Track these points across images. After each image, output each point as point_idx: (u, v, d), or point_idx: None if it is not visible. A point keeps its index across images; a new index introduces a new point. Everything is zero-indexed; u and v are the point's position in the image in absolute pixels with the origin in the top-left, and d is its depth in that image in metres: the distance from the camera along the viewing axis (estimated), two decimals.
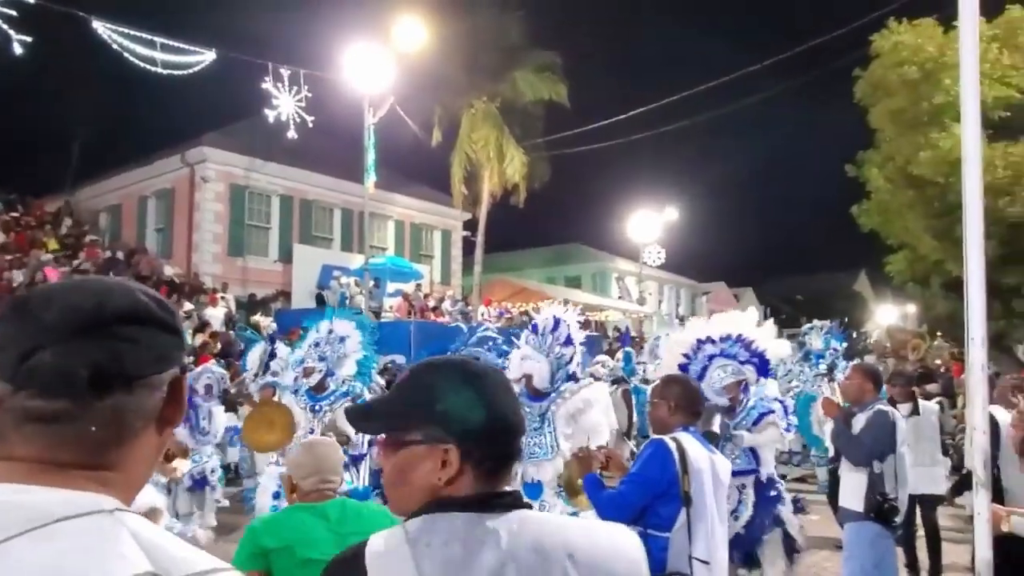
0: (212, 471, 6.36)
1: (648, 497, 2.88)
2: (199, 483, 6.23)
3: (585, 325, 19.05)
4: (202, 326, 14.84)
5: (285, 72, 15.24)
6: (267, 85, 15.09)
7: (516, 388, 4.86)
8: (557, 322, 5.11)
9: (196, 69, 13.35)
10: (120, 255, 18.06)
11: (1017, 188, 15.34)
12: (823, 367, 8.28)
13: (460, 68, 22.91)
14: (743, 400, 4.59)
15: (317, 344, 5.86)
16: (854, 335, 18.66)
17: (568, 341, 5.00)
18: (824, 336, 8.65)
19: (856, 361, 7.57)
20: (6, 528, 0.71)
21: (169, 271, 18.43)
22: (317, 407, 5.58)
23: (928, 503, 6.29)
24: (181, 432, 6.01)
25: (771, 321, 5.26)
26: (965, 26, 2.45)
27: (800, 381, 8.60)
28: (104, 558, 0.72)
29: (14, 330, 0.79)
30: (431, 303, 20.36)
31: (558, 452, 4.74)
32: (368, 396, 6.04)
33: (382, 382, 8.11)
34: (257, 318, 15.83)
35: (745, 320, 4.94)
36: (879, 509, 4.36)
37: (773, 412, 4.55)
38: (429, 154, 23.83)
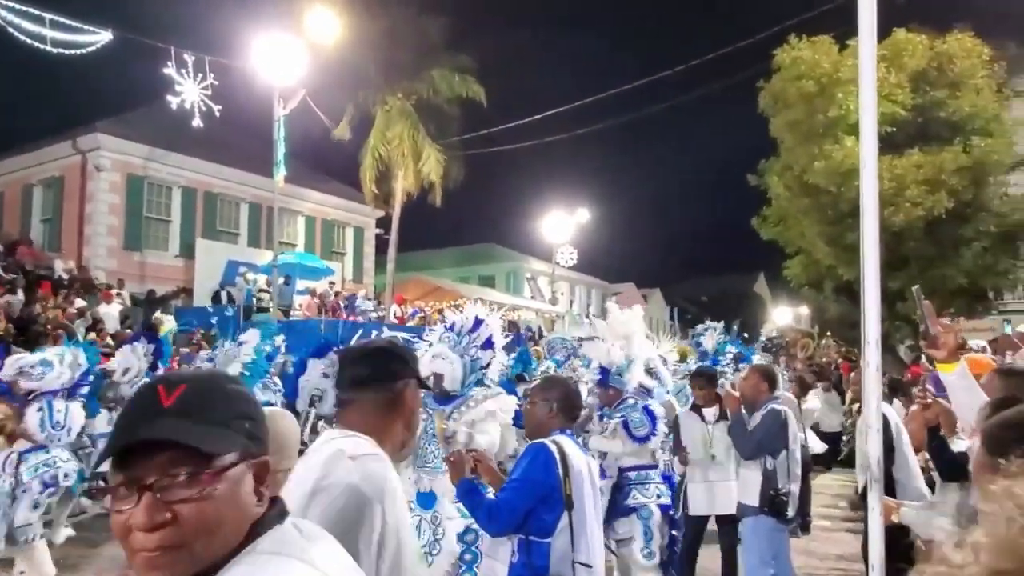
0: (66, 475, 5.64)
1: (532, 501, 2.82)
2: (48, 486, 5.53)
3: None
4: (95, 324, 13.98)
5: (189, 58, 14.58)
6: (170, 71, 14.39)
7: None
8: (478, 323, 4.84)
9: (90, 50, 12.56)
10: (2, 248, 16.77)
11: (899, 199, 16.44)
12: (725, 367, 8.58)
13: (376, 64, 22.54)
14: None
15: (214, 348, 5.68)
16: (769, 339, 19.58)
17: (488, 344, 4.75)
18: (719, 338, 8.98)
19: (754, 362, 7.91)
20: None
21: (59, 265, 17.26)
22: None
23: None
24: (31, 422, 5.52)
25: (638, 309, 5.42)
26: (864, 40, 2.60)
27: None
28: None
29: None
30: (342, 302, 19.93)
31: None
32: (260, 396, 5.69)
33: (278, 383, 7.67)
34: (158, 315, 15.05)
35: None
36: (772, 503, 4.60)
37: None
38: (343, 149, 23.36)
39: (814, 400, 8.92)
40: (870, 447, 2.51)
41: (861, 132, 2.72)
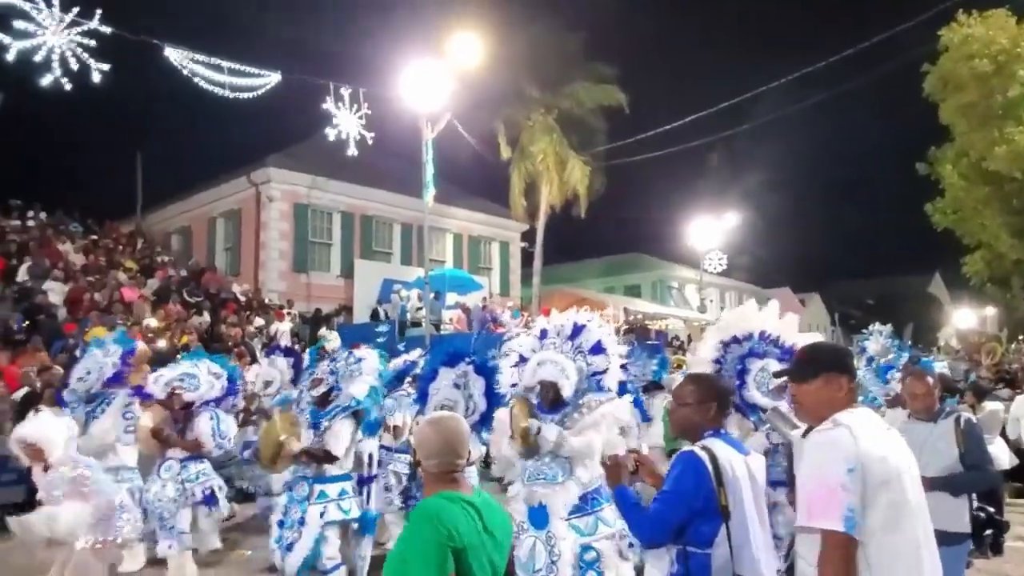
0: (220, 487, 5.98)
1: (685, 514, 2.64)
2: (209, 499, 5.87)
3: (645, 333, 18.65)
4: (270, 341, 15.24)
5: (345, 92, 15.60)
6: (328, 105, 15.47)
7: (529, 398, 4.46)
8: (578, 328, 4.57)
9: (262, 91, 13.78)
10: (191, 275, 18.74)
11: None
12: (893, 375, 7.92)
13: (519, 82, 23.13)
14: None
15: (334, 359, 5.63)
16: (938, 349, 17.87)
17: (597, 349, 4.46)
18: (886, 341, 8.29)
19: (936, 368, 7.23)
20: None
21: (237, 289, 19.03)
22: (318, 424, 5.15)
23: None
24: (204, 431, 5.82)
25: (794, 318, 4.68)
26: None
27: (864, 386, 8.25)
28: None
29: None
30: (491, 315, 20.44)
31: (571, 476, 4.19)
32: (374, 414, 5.62)
33: (412, 392, 7.69)
34: (323, 332, 16.16)
35: (764, 315, 4.48)
36: (984, 523, 4.00)
37: None
38: (486, 167, 24.08)
39: (994, 404, 7.99)
40: None
41: None
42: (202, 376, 6.04)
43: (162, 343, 12.47)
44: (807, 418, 2.57)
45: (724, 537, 2.61)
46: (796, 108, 19.54)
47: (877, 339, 7.97)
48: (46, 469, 4.24)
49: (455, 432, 2.25)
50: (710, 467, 2.63)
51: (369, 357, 5.57)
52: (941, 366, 8.51)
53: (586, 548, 4.00)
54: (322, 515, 4.88)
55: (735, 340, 4.36)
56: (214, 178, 22.87)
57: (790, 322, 4.46)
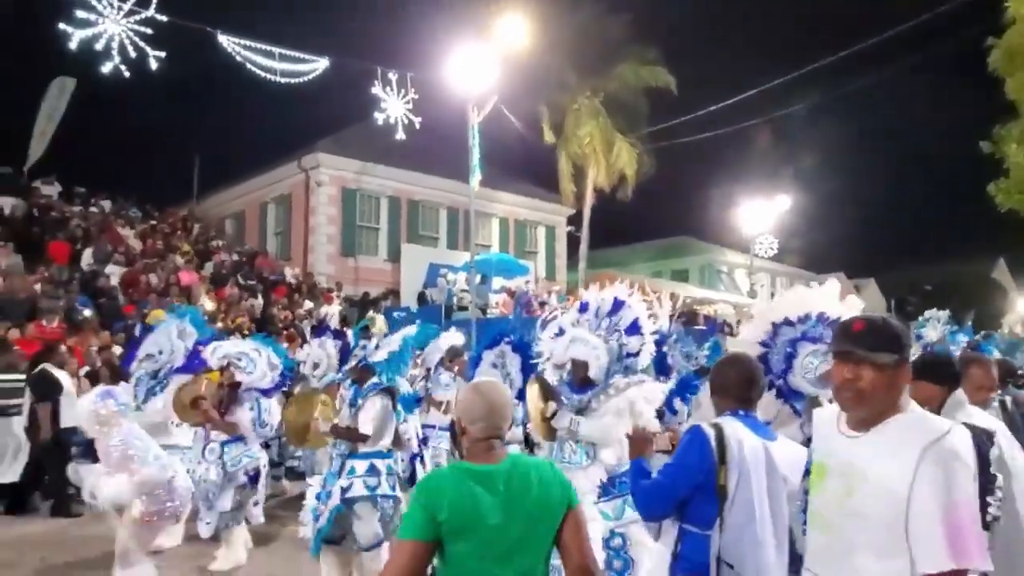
0: (264, 466, 6.09)
1: (686, 488, 2.55)
2: (253, 479, 5.97)
3: (693, 318, 18.35)
4: (319, 324, 15.53)
5: (393, 76, 15.70)
6: (376, 90, 15.59)
7: (558, 375, 4.39)
8: (618, 304, 4.43)
9: (311, 76, 13.96)
10: (244, 259, 19.20)
11: None
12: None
13: (565, 65, 22.94)
14: None
15: (372, 337, 5.59)
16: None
17: (634, 329, 4.31)
18: (944, 329, 7.99)
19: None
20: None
21: (288, 272, 19.42)
22: (355, 402, 5.14)
23: None
24: (244, 419, 5.91)
25: (856, 302, 4.37)
26: None
27: None
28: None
29: None
30: (539, 299, 20.44)
31: (595, 461, 4.08)
32: (406, 390, 5.51)
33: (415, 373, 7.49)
34: (371, 315, 16.40)
35: (824, 296, 4.26)
36: None
37: None
38: (531, 151, 23.99)
39: None
40: None
41: None
42: (260, 363, 6.09)
43: (218, 325, 12.83)
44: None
45: (719, 517, 2.51)
46: (852, 87, 18.93)
47: (935, 326, 7.73)
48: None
49: (499, 396, 2.24)
50: (714, 443, 2.54)
51: (403, 332, 5.52)
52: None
53: (613, 534, 3.90)
54: (345, 490, 4.86)
55: (787, 322, 4.17)
56: (266, 164, 23.32)
57: (852, 305, 4.23)
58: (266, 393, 6.15)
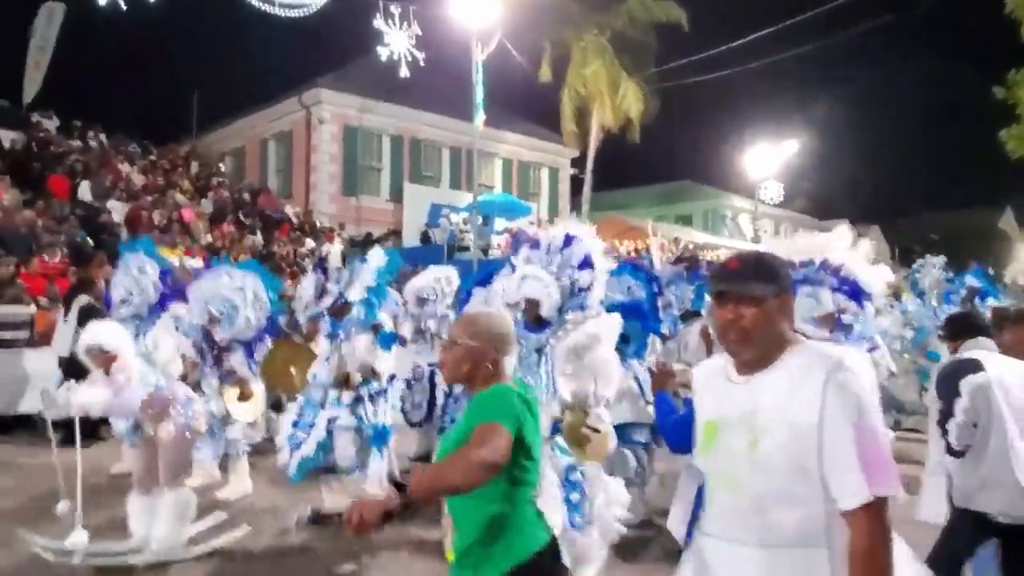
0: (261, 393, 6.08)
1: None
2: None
3: (695, 264, 18.32)
4: (321, 262, 15.54)
5: (396, 9, 15.31)
6: (378, 23, 15.22)
7: (513, 315, 4.19)
8: (568, 240, 4.28)
9: (313, 8, 13.60)
10: (247, 196, 19.07)
11: None
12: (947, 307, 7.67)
13: (569, 1, 22.29)
14: (838, 335, 3.98)
15: (339, 268, 5.49)
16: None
17: (585, 264, 4.21)
18: (940, 274, 8.02)
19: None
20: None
21: (289, 210, 19.33)
22: (335, 334, 5.13)
23: None
24: (238, 361, 5.90)
25: (867, 250, 4.35)
26: None
27: (917, 319, 8.05)
28: None
29: None
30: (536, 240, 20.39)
31: (554, 396, 4.01)
32: (388, 327, 5.53)
33: (398, 311, 7.28)
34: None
35: (832, 242, 4.23)
36: None
37: (877, 349, 4.07)
38: (537, 91, 23.55)
39: None
40: None
41: None
42: (243, 311, 5.92)
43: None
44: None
45: None
46: (862, 28, 18.44)
47: (930, 272, 7.72)
48: (107, 374, 4.42)
49: (508, 320, 2.30)
50: None
51: (374, 259, 5.43)
52: (1011, 302, 8.20)
53: (571, 468, 3.91)
54: (331, 421, 4.93)
55: (790, 265, 4.20)
56: (266, 100, 22.96)
57: (860, 253, 4.23)
58: (250, 345, 6.01)
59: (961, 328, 3.33)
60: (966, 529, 3.04)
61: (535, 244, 4.36)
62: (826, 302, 4.03)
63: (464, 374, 2.13)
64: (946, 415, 2.97)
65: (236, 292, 5.94)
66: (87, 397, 4.23)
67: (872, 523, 1.61)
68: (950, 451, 3.04)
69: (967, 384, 2.93)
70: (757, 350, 1.78)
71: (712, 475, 1.84)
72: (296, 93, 21.49)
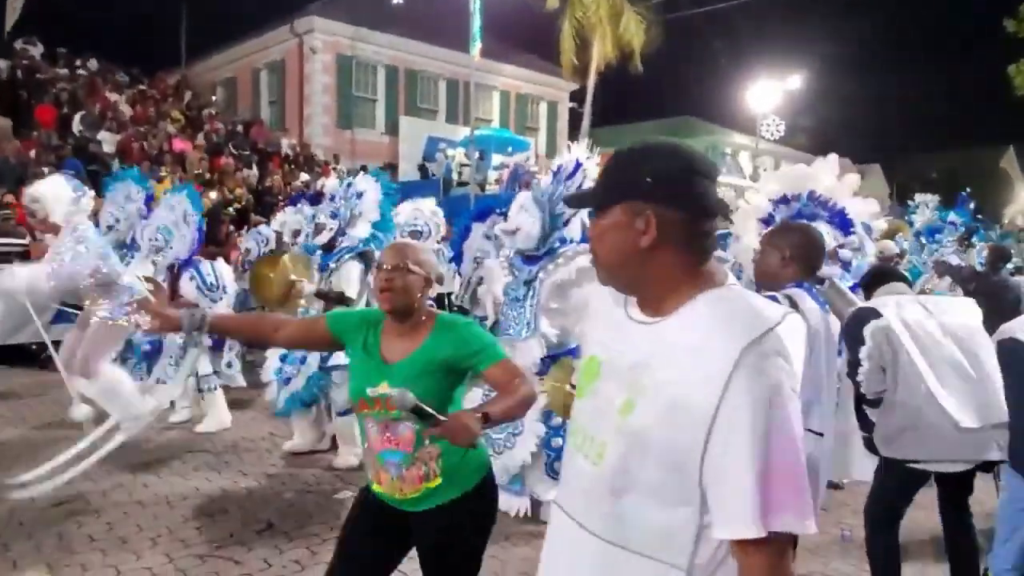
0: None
1: None
2: (217, 344, 6.00)
3: None
4: (317, 196, 15.38)
5: None
6: None
7: (508, 243, 4.22)
8: (577, 167, 4.09)
9: None
10: (240, 128, 18.73)
11: None
12: (946, 245, 7.63)
13: None
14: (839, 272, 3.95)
15: (333, 199, 5.23)
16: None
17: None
18: (933, 215, 7.99)
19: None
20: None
21: (285, 143, 19.03)
22: (325, 266, 5.03)
23: None
24: (187, 290, 5.85)
25: (854, 179, 4.32)
26: None
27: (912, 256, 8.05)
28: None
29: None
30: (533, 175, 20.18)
31: (535, 332, 3.94)
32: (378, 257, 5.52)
33: (446, 252, 7.20)
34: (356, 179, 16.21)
35: (818, 174, 4.17)
36: None
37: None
38: (535, 22, 22.85)
39: None
40: None
41: None
42: (177, 234, 5.91)
43: (213, 195, 12.70)
44: None
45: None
46: None
47: (924, 212, 7.70)
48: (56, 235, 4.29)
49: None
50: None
51: (369, 189, 5.25)
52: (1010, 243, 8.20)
53: (549, 413, 3.90)
54: (324, 358, 4.85)
55: (784, 200, 4.15)
56: (257, 27, 22.29)
57: (845, 184, 4.17)
58: (188, 262, 5.97)
59: (873, 279, 3.31)
60: (896, 476, 3.06)
61: (556, 172, 4.20)
62: (826, 237, 4.00)
63: (412, 302, 2.15)
64: (854, 365, 2.96)
65: (167, 211, 5.98)
66: (30, 274, 4.13)
67: (764, 568, 1.10)
68: (866, 400, 3.06)
69: (868, 328, 2.92)
70: (621, 284, 1.29)
71: (576, 430, 1.34)
72: (288, 20, 20.86)
